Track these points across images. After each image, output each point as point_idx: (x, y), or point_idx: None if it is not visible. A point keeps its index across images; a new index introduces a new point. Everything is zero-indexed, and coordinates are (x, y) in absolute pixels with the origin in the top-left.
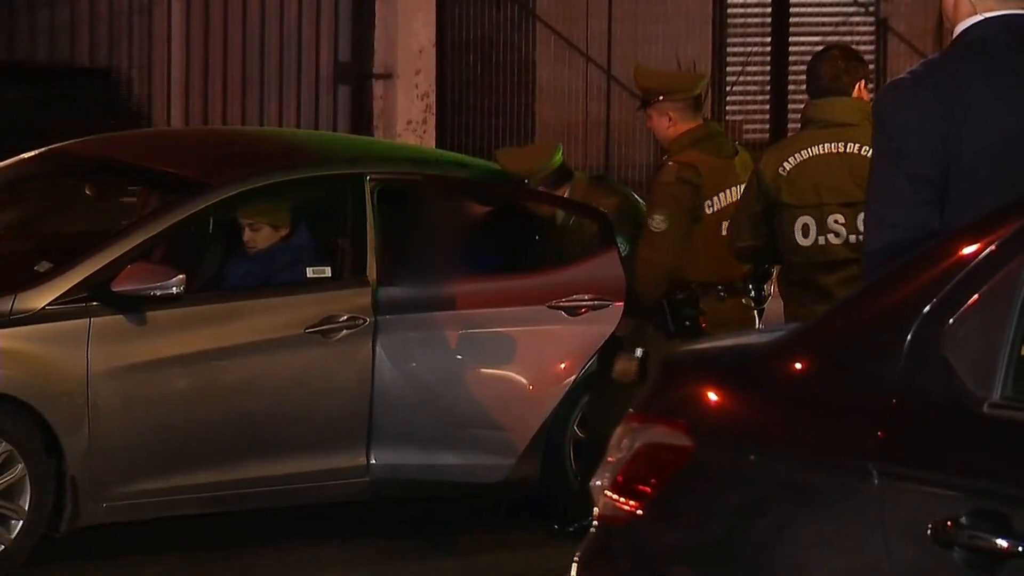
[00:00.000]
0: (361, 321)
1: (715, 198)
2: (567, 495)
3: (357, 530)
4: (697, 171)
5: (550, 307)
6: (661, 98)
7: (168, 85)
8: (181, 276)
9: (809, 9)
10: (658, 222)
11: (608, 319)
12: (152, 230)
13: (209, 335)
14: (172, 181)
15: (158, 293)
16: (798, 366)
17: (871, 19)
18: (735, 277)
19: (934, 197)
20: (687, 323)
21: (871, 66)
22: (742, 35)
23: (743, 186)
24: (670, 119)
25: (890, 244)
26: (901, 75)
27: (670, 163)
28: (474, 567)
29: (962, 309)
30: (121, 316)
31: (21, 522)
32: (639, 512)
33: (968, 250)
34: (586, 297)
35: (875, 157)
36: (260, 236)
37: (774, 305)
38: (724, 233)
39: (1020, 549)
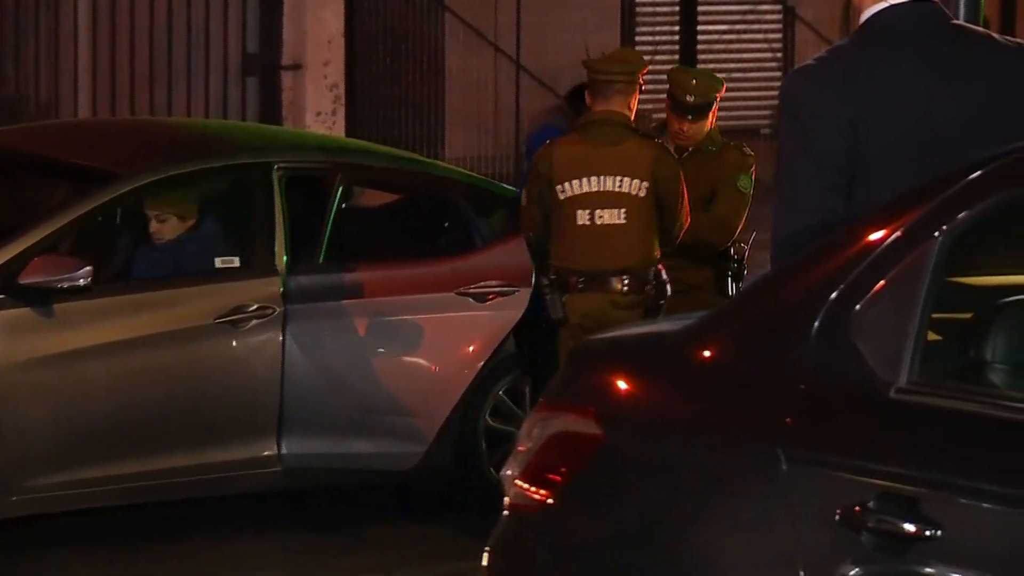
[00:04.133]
0: (270, 310)
1: (567, 184)
2: (483, 485)
3: (274, 522)
4: (550, 160)
5: (458, 294)
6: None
7: (75, 76)
8: (89, 268)
9: None
10: (523, 197)
11: (515, 305)
12: (59, 222)
13: (118, 327)
14: (79, 172)
15: (66, 285)
16: (707, 353)
17: (778, 7)
18: (607, 267)
19: (842, 182)
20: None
21: (779, 54)
22: (651, 24)
23: (621, 178)
24: (586, 103)
25: (798, 229)
26: (807, 61)
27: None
28: (393, 559)
29: (869, 295)
30: (28, 309)
31: None
32: (550, 501)
33: (875, 236)
34: (493, 283)
35: (783, 142)
36: (167, 227)
37: None
38: (583, 222)
39: (927, 533)
